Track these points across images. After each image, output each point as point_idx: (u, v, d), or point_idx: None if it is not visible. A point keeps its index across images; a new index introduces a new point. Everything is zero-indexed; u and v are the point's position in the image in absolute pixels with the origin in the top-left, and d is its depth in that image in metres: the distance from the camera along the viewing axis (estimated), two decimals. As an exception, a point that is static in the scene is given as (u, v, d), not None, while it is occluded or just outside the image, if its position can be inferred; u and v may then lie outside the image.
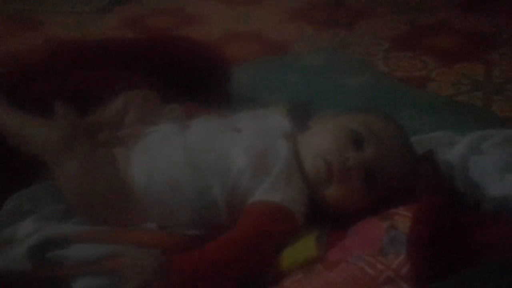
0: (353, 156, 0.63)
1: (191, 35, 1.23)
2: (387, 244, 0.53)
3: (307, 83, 1.13)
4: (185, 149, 0.67)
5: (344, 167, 0.63)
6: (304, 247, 0.58)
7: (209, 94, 0.89)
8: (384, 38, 1.38)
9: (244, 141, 0.68)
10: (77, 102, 0.70)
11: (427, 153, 0.73)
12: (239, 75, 1.11)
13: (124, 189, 0.66)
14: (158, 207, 0.66)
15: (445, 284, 0.50)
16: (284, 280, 0.55)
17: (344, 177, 0.63)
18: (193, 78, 0.88)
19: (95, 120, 0.73)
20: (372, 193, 0.64)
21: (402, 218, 0.56)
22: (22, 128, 0.68)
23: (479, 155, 0.75)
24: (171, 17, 1.58)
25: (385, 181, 0.64)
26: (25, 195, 0.71)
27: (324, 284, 0.51)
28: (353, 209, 0.64)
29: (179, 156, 0.67)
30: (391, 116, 0.72)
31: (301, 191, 0.65)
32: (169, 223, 0.66)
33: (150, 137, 0.71)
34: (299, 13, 1.59)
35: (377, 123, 0.68)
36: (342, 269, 0.53)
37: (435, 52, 1.28)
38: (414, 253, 0.52)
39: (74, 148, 0.65)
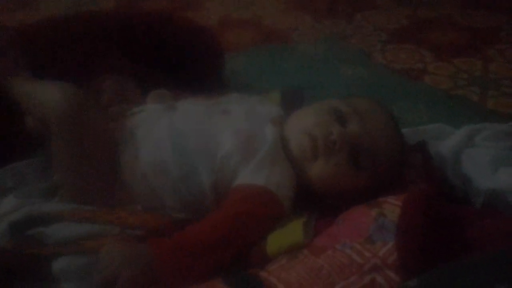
0: (337, 130, 0.63)
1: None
2: (375, 231, 0.52)
3: (303, 72, 1.12)
4: (171, 130, 0.66)
5: (328, 140, 0.62)
6: (291, 232, 0.57)
7: (201, 79, 0.87)
8: (383, 30, 1.38)
9: (232, 124, 0.66)
10: (62, 77, 0.68)
11: (419, 144, 0.73)
12: (235, 62, 1.11)
13: (112, 168, 0.65)
14: (144, 189, 0.65)
15: (431, 274, 0.49)
16: (269, 265, 0.54)
17: (328, 151, 0.62)
18: (184, 60, 0.86)
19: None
20: (357, 171, 0.63)
21: (391, 207, 0.55)
22: (37, 89, 0.66)
23: (472, 148, 0.75)
24: (168, 1, 1.56)
25: (370, 162, 0.63)
26: (9, 172, 0.70)
27: (309, 270, 0.50)
28: (339, 189, 0.63)
29: (166, 137, 0.66)
30: (380, 102, 0.71)
31: (287, 175, 0.64)
32: (154, 205, 0.65)
33: (136, 117, 0.69)
34: (299, 2, 1.58)
35: (362, 104, 0.67)
36: (329, 255, 0.52)
37: (433, 46, 1.28)
38: (402, 241, 0.51)
39: (82, 115, 0.63)
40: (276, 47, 1.30)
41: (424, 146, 0.71)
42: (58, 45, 0.80)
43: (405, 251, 0.51)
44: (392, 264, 0.50)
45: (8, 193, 0.67)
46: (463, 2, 1.52)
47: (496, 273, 0.48)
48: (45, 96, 0.65)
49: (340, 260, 0.51)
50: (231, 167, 0.63)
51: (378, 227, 0.52)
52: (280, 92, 0.84)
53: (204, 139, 0.65)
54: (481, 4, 1.50)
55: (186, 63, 0.86)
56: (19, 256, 0.58)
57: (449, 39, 1.32)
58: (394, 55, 1.25)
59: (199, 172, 0.63)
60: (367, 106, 0.67)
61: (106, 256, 0.53)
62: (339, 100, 0.68)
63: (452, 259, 0.52)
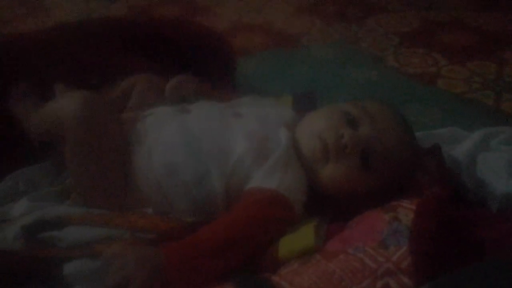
0: (348, 133, 0.62)
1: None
2: (389, 236, 0.51)
3: (314, 76, 1.12)
4: (184, 133, 0.66)
5: (339, 144, 0.62)
6: (302, 236, 0.57)
7: (213, 82, 0.87)
8: (395, 34, 1.37)
9: (245, 127, 0.66)
10: (79, 82, 0.69)
11: (433, 147, 0.72)
12: (245, 65, 1.11)
13: (124, 171, 0.65)
14: (155, 192, 0.65)
15: (446, 279, 0.48)
16: (281, 269, 0.53)
17: (339, 154, 0.62)
18: (196, 65, 0.87)
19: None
20: (368, 174, 0.62)
21: (405, 211, 0.54)
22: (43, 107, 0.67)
23: (487, 152, 0.73)
24: (179, 6, 1.57)
25: (381, 165, 0.62)
26: (22, 176, 0.71)
27: (321, 274, 0.50)
28: (350, 192, 0.63)
29: (179, 139, 0.65)
30: (392, 104, 0.70)
31: (300, 179, 0.63)
32: (165, 209, 0.65)
33: (150, 119, 0.69)
34: (310, 6, 1.57)
35: (373, 107, 0.66)
36: (341, 260, 0.51)
37: (446, 49, 1.26)
38: (416, 246, 0.50)
39: (96, 121, 0.64)
40: (287, 50, 1.30)
41: (438, 149, 0.70)
42: (73, 51, 0.81)
43: (419, 255, 0.50)
44: (406, 269, 0.49)
45: (20, 197, 0.68)
46: (475, 5, 1.51)
47: (510, 279, 0.47)
48: (59, 104, 0.66)
49: (352, 265, 0.50)
50: (244, 170, 0.63)
51: (392, 231, 0.52)
52: (292, 95, 0.84)
53: (217, 142, 0.65)
54: (493, 7, 1.48)
55: (198, 67, 0.87)
56: (31, 259, 0.58)
57: (462, 42, 1.31)
58: (406, 59, 1.24)
59: (211, 176, 0.63)
60: (378, 109, 0.66)
61: (117, 260, 0.53)
62: (350, 103, 0.68)
63: (466, 264, 0.51)
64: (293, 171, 0.63)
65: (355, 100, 0.69)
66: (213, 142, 0.65)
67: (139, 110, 0.73)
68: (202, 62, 0.87)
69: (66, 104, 0.65)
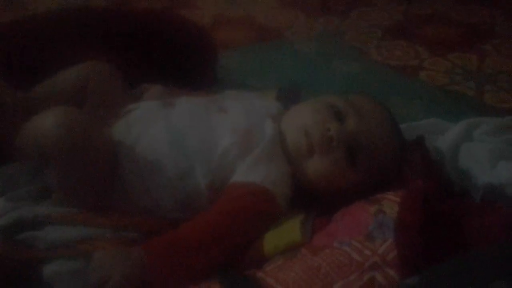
0: (334, 127, 0.61)
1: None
2: (375, 228, 0.51)
3: (298, 69, 1.12)
4: (169, 128, 0.65)
5: (325, 137, 0.61)
6: (288, 231, 0.56)
7: (194, 76, 0.86)
8: (378, 27, 1.37)
9: (229, 121, 0.65)
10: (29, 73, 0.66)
11: (417, 139, 0.72)
12: (228, 59, 1.09)
13: (108, 167, 0.63)
14: (139, 188, 0.63)
15: (432, 272, 0.48)
16: (266, 265, 0.53)
17: (325, 148, 0.61)
18: (177, 58, 0.85)
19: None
20: (354, 169, 0.62)
21: (391, 203, 0.53)
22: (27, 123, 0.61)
23: (471, 142, 0.74)
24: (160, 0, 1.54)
25: (368, 158, 0.62)
26: (-1, 175, 0.68)
27: (307, 269, 0.49)
28: (336, 187, 0.62)
29: (163, 135, 0.64)
30: (377, 98, 0.70)
31: (284, 173, 0.63)
32: (149, 206, 0.63)
33: (133, 114, 0.68)
34: (292, 0, 1.56)
35: (360, 101, 0.66)
36: (327, 254, 0.51)
37: (428, 42, 1.27)
38: (401, 238, 0.50)
39: (78, 135, 0.58)
40: (270, 44, 1.29)
41: (422, 141, 0.70)
42: (43, 40, 0.79)
43: (405, 248, 0.50)
44: (392, 262, 0.49)
45: (-2, 196, 0.66)
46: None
47: (495, 269, 0.47)
48: (37, 127, 0.60)
49: (339, 259, 0.50)
50: (229, 164, 0.62)
51: (378, 224, 0.51)
52: (276, 89, 0.83)
53: (201, 137, 0.64)
54: (474, 0, 1.50)
55: (179, 60, 0.85)
56: (8, 261, 0.56)
57: (444, 35, 1.32)
58: (389, 51, 1.24)
59: (196, 171, 0.62)
60: (364, 103, 0.66)
61: (97, 259, 0.52)
62: (336, 96, 0.67)
63: (451, 255, 0.51)
64: (278, 164, 0.62)
65: (341, 93, 0.69)
66: (198, 138, 0.64)
67: (119, 107, 0.71)
68: (182, 55, 0.85)
69: (42, 127, 0.58)
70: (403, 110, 0.92)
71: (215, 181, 0.62)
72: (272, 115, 0.67)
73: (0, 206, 0.62)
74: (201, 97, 0.72)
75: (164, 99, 0.70)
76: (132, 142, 0.64)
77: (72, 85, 0.71)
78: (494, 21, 1.37)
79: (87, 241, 0.57)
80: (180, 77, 0.81)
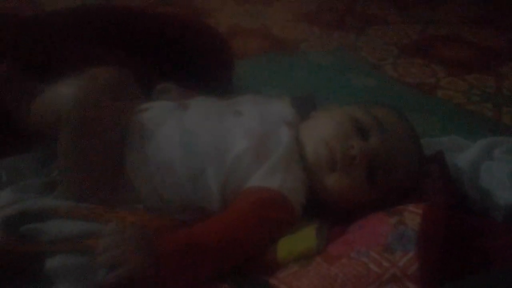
0: (357, 145, 0.59)
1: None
2: (395, 240, 0.49)
3: (312, 81, 1.11)
4: (181, 129, 0.63)
5: (348, 155, 0.59)
6: (303, 238, 0.54)
7: (211, 81, 0.84)
8: (394, 45, 1.36)
9: (244, 125, 0.63)
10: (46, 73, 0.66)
11: (436, 154, 0.70)
12: (243, 68, 1.09)
13: (117, 166, 0.61)
14: (148, 188, 0.62)
15: (453, 287, 0.45)
16: (279, 272, 0.50)
17: (347, 166, 0.59)
18: (195, 62, 0.84)
19: None
20: (374, 187, 0.60)
21: (412, 215, 0.51)
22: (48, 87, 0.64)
23: (491, 162, 0.72)
24: (177, 8, 1.55)
25: (389, 175, 0.60)
26: (5, 166, 0.67)
27: (322, 279, 0.47)
28: (354, 202, 0.60)
29: (175, 136, 0.62)
30: (401, 111, 0.68)
31: (301, 180, 0.61)
32: (157, 206, 0.61)
33: (147, 114, 0.66)
34: (309, 14, 1.57)
35: (383, 114, 0.64)
36: (344, 264, 0.48)
37: (445, 62, 1.26)
38: (424, 252, 0.47)
39: (92, 111, 0.60)
40: (286, 54, 1.28)
41: (442, 156, 0.68)
42: (65, 37, 0.78)
43: (427, 262, 0.47)
44: (412, 275, 0.46)
45: (3, 187, 0.64)
46: (473, 21, 1.52)
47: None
48: (57, 92, 0.63)
49: (356, 269, 0.47)
50: (243, 169, 0.60)
51: (398, 236, 0.49)
52: (290, 98, 0.81)
53: (214, 139, 0.62)
54: (490, 23, 1.49)
55: (197, 64, 0.84)
56: (11, 253, 0.54)
57: (460, 56, 1.31)
58: (405, 69, 1.23)
59: (207, 174, 0.60)
60: (388, 116, 0.64)
61: (114, 236, 0.49)
62: (360, 108, 0.65)
63: (471, 272, 0.49)
64: (294, 172, 0.61)
65: (365, 104, 0.66)
66: (210, 140, 0.62)
67: (135, 102, 0.70)
68: (200, 59, 0.84)
69: (64, 91, 0.61)
70: (420, 127, 0.89)
71: (228, 185, 0.60)
72: (288, 121, 0.66)
73: (6, 197, 0.61)
74: (216, 99, 0.71)
75: (178, 101, 0.69)
76: (144, 141, 0.63)
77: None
78: (511, 45, 1.36)
79: (92, 236, 0.55)
80: (197, 81, 0.79)
